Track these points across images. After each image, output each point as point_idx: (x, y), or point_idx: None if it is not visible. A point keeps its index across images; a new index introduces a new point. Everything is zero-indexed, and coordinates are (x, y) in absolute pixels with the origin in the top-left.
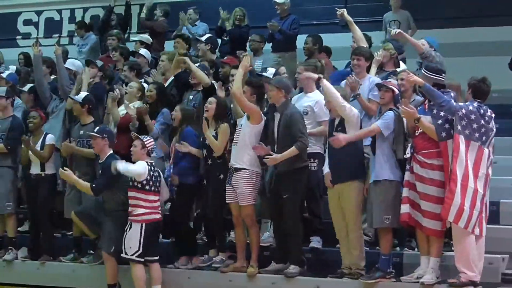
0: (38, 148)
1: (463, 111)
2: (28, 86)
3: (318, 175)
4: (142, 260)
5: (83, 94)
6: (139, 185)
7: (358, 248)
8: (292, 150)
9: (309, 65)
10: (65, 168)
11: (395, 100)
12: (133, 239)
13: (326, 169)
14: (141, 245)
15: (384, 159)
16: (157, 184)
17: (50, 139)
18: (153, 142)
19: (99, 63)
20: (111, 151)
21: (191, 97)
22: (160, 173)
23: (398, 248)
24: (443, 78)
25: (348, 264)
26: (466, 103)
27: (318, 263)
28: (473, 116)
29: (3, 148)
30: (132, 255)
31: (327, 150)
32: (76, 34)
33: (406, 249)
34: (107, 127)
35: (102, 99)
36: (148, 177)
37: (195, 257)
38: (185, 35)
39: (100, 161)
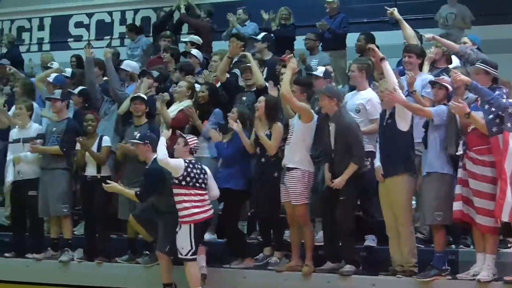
0: (95, 150)
1: None
2: (79, 88)
3: (372, 174)
4: (195, 257)
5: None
6: (176, 181)
7: (409, 245)
8: (352, 167)
9: (362, 63)
10: (107, 181)
11: (449, 97)
12: (184, 240)
13: (377, 163)
14: (193, 244)
15: (436, 152)
16: (200, 181)
17: (106, 141)
18: (197, 141)
19: (155, 73)
20: (155, 156)
21: (244, 98)
22: (207, 170)
23: (453, 246)
24: (496, 72)
25: (398, 261)
26: None
27: (373, 262)
28: None
29: (59, 150)
30: (186, 254)
31: (378, 145)
32: (127, 37)
33: (461, 246)
34: (149, 132)
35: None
36: (185, 173)
37: (248, 258)
38: (240, 34)
39: (146, 167)
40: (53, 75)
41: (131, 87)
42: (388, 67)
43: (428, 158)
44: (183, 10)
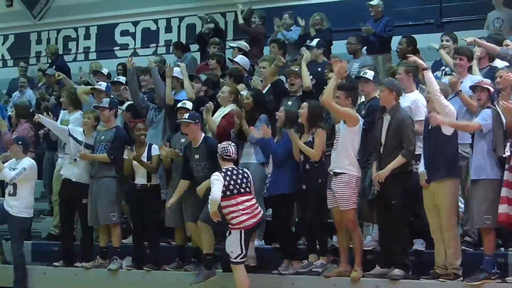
0: (144, 159)
1: None
2: (126, 104)
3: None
4: (244, 261)
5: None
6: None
7: (453, 247)
8: (399, 160)
9: (408, 65)
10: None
11: (492, 98)
12: (234, 245)
13: (421, 168)
14: (243, 249)
15: (483, 157)
16: (243, 185)
17: (155, 149)
18: (223, 145)
19: (203, 77)
20: (203, 135)
21: (289, 103)
22: (248, 173)
23: (502, 249)
24: None
25: (442, 263)
26: None
27: (422, 266)
28: None
29: (107, 158)
30: (235, 258)
31: (422, 149)
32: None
33: (510, 249)
34: (196, 113)
35: None
36: (226, 183)
37: (296, 261)
38: (280, 40)
39: (194, 146)
40: (103, 84)
41: (182, 93)
42: (430, 76)
43: (475, 163)
44: (241, 21)
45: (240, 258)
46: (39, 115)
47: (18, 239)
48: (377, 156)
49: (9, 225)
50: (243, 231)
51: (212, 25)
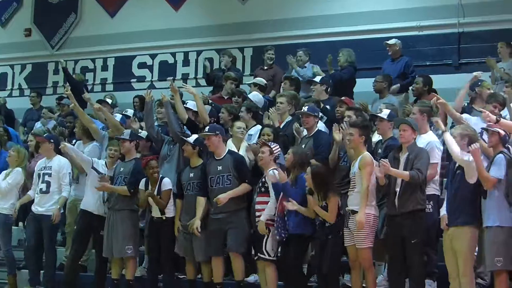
0: (155, 193)
1: None
2: (144, 133)
3: (434, 217)
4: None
5: (195, 136)
6: (263, 189)
7: None
8: (404, 174)
9: (424, 105)
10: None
11: (503, 141)
12: (274, 241)
13: (443, 211)
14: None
15: (495, 204)
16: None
17: (167, 184)
18: (279, 149)
19: (207, 108)
20: (228, 148)
21: (303, 145)
22: None
23: None
24: None
25: None
26: None
27: None
28: None
29: (126, 191)
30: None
31: (446, 194)
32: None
33: None
34: (217, 125)
35: None
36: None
37: None
38: (293, 76)
39: (217, 158)
40: (119, 115)
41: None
42: (448, 140)
43: (488, 209)
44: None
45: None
46: (66, 143)
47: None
48: (393, 196)
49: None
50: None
51: (230, 60)
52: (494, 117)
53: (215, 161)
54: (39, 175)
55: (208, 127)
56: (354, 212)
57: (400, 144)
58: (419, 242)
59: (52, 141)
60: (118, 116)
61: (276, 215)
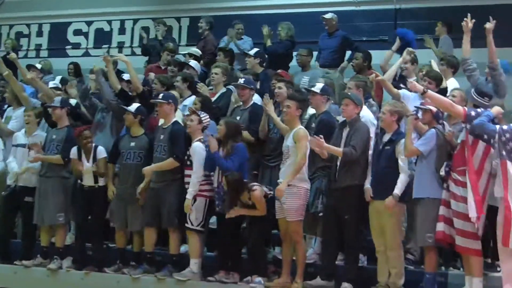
0: (90, 162)
1: (507, 135)
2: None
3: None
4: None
5: (136, 105)
6: (189, 162)
7: (397, 267)
8: (338, 150)
9: (359, 80)
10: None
11: (436, 117)
12: (198, 212)
13: (367, 184)
14: (204, 217)
15: (426, 176)
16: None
17: (101, 152)
18: (209, 119)
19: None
20: (176, 118)
21: (238, 117)
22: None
23: (443, 268)
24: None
25: (384, 282)
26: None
27: (363, 281)
28: None
29: (60, 160)
30: (197, 225)
31: (369, 166)
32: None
33: (451, 268)
34: (170, 93)
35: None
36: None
37: (237, 273)
38: (227, 48)
39: (164, 127)
40: (51, 82)
41: None
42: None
43: (418, 181)
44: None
45: (201, 227)
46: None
47: None
48: (334, 169)
49: None
50: (208, 200)
51: (165, 29)
52: (421, 88)
53: (162, 129)
54: None
55: (161, 94)
56: None
57: (343, 120)
58: (354, 217)
59: None
60: (51, 83)
61: (218, 185)
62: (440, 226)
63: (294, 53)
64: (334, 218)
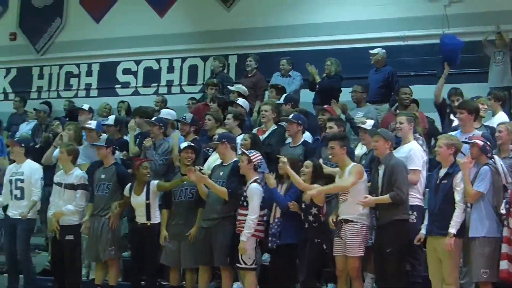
0: (144, 197)
1: None
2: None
3: (417, 227)
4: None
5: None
6: (245, 203)
7: None
8: (385, 198)
9: (409, 115)
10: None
11: (484, 151)
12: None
13: (426, 220)
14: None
15: (482, 215)
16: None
17: (154, 185)
18: (260, 157)
19: (189, 116)
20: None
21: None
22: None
23: None
24: None
25: None
26: None
27: None
28: None
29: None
30: (251, 264)
31: (427, 202)
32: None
33: None
34: (228, 133)
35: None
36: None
37: None
38: (279, 85)
39: (224, 164)
40: (93, 122)
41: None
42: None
43: (473, 220)
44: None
45: (255, 264)
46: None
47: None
48: (376, 206)
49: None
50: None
51: (220, 65)
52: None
53: (222, 167)
54: (10, 181)
55: (218, 135)
56: (347, 221)
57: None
58: (395, 251)
59: (23, 145)
60: (93, 123)
61: (273, 221)
62: (504, 264)
63: (348, 89)
64: (378, 254)
